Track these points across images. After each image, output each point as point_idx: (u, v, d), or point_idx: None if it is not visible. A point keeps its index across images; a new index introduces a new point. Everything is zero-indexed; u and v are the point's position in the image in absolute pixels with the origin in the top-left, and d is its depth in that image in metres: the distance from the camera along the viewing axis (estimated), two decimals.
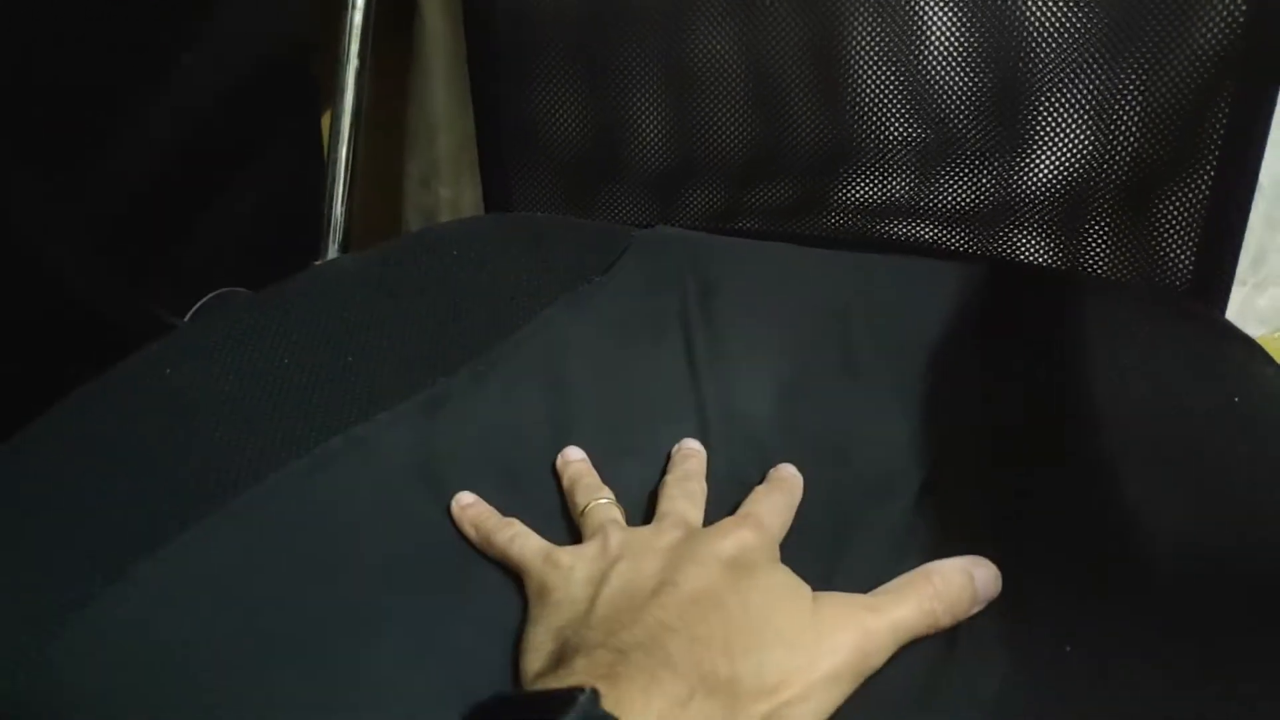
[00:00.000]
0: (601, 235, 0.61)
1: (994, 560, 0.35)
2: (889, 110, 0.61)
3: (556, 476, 0.43)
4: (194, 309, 0.53)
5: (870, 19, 0.59)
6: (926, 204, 0.62)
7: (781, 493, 0.40)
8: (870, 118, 0.61)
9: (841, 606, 0.33)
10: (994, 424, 0.43)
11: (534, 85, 0.65)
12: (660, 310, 0.54)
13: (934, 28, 0.58)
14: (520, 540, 0.37)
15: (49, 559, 0.36)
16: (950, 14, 0.57)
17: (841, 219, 0.65)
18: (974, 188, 0.61)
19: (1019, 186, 0.60)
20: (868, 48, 0.59)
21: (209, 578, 0.37)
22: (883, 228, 0.64)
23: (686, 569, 0.33)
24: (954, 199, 0.62)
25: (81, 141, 0.51)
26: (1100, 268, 0.59)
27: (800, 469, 0.42)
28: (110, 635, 0.34)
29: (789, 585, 0.34)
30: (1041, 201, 0.59)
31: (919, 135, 0.60)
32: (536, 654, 0.32)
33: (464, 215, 0.82)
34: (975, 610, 0.34)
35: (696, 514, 0.39)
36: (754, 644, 0.31)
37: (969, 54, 0.57)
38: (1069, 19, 0.55)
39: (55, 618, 0.34)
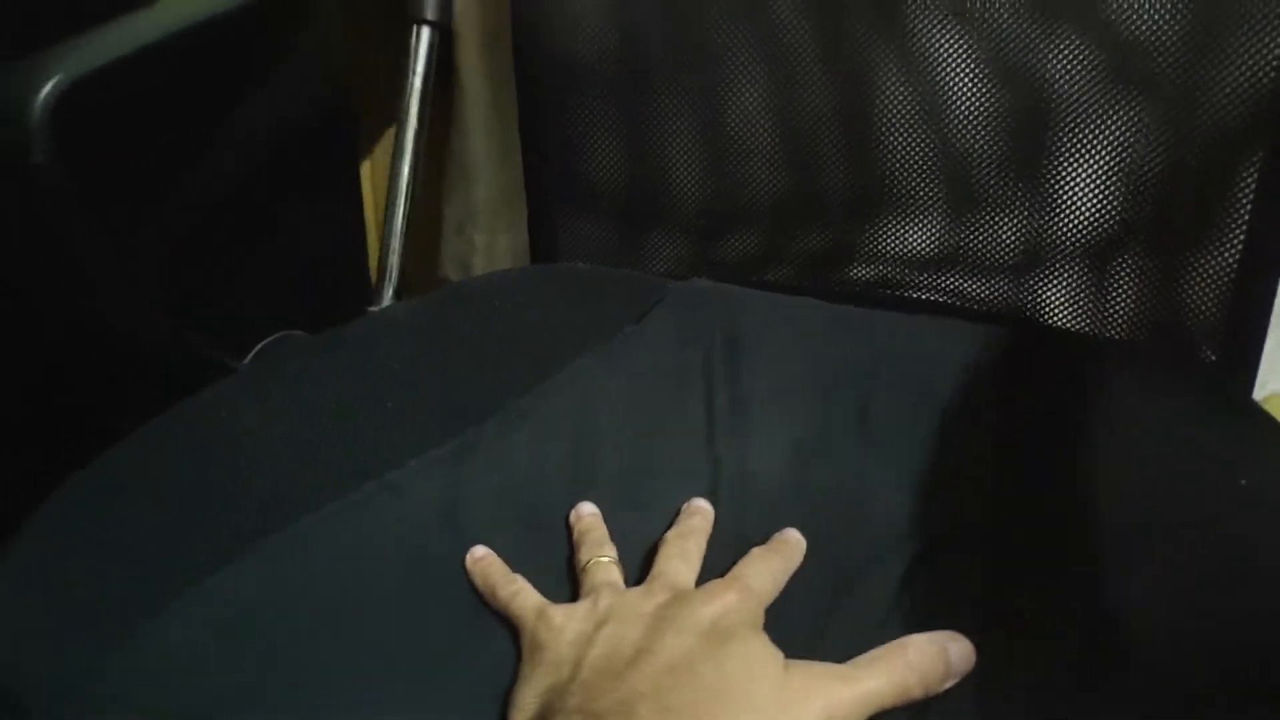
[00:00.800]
0: (637, 286, 0.62)
1: (977, 634, 0.35)
2: (916, 167, 0.60)
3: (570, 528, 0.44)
4: (254, 351, 0.55)
5: (898, 80, 0.59)
6: (952, 258, 0.62)
7: (778, 557, 0.40)
8: (898, 174, 0.61)
9: (812, 676, 0.33)
10: (997, 495, 0.43)
11: (578, 140, 0.66)
12: (687, 364, 0.55)
13: (959, 89, 0.57)
14: (520, 596, 0.38)
15: (92, 595, 0.39)
16: (975, 76, 0.57)
17: (872, 270, 0.64)
18: (998, 245, 0.60)
19: (1043, 245, 0.59)
20: (896, 107, 0.59)
21: (235, 617, 0.38)
22: (913, 279, 0.63)
23: (665, 637, 0.33)
24: (979, 255, 0.61)
25: (146, 197, 0.54)
26: (1127, 329, 0.57)
27: (804, 531, 0.42)
28: (142, 673, 0.36)
29: (763, 653, 0.34)
30: (1067, 260, 0.58)
31: (945, 192, 0.60)
32: (521, 713, 0.33)
33: (498, 261, 0.84)
34: (949, 683, 0.34)
35: (689, 575, 0.39)
36: (723, 711, 0.31)
37: (994, 115, 0.57)
38: (1094, 80, 0.54)
39: (95, 654, 0.36)
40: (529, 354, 0.55)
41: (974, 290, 0.62)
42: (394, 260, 0.65)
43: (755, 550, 0.40)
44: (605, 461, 0.48)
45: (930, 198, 0.61)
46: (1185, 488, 0.40)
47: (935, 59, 0.58)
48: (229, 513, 0.43)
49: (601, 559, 0.39)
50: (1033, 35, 0.54)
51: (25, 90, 0.40)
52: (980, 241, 0.61)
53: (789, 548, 0.41)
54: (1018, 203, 0.58)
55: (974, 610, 0.36)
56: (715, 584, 0.37)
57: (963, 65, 0.57)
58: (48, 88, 0.40)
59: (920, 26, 0.58)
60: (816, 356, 0.55)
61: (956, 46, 0.57)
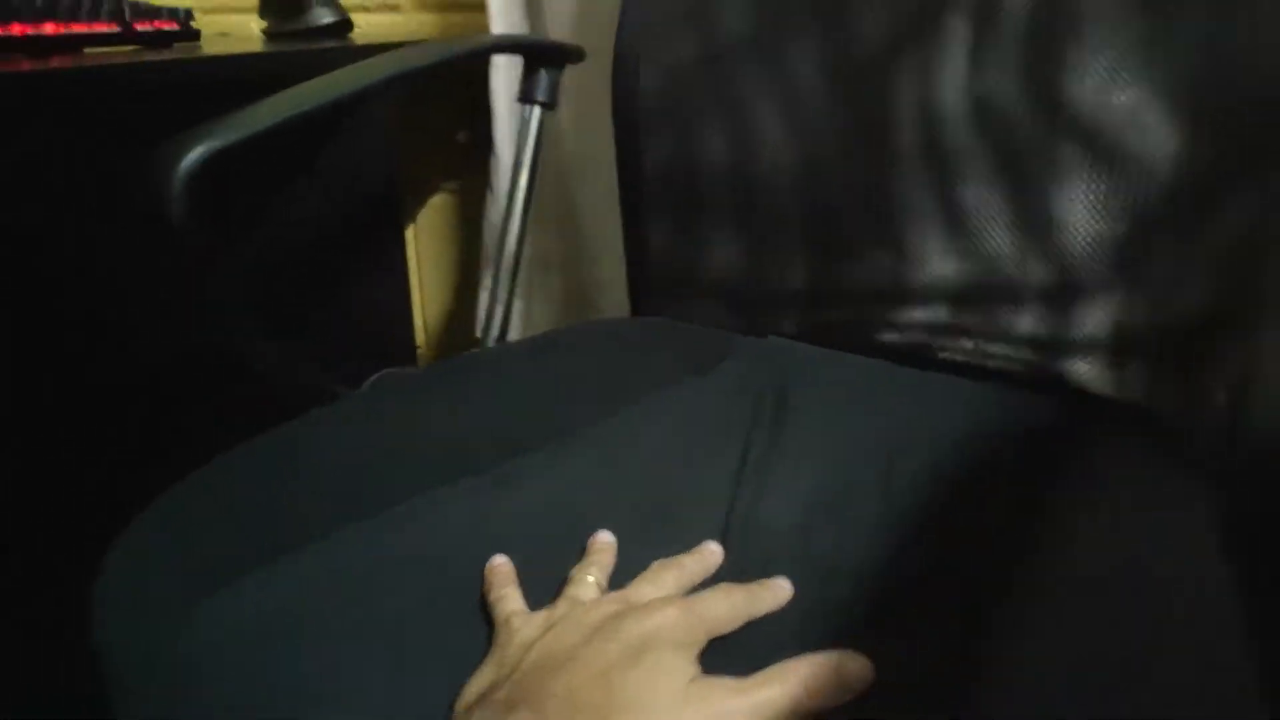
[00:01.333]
0: (711, 341, 0.65)
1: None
2: (1009, 247, 0.59)
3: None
4: (369, 381, 0.63)
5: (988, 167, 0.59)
6: (1035, 334, 0.60)
7: (746, 594, 0.40)
8: (992, 254, 0.60)
9: (710, 687, 0.35)
10: (985, 567, 0.41)
11: (673, 203, 0.69)
12: (734, 415, 0.56)
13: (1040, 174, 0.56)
14: (502, 602, 0.41)
15: (166, 577, 0.45)
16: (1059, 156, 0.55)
17: (946, 339, 0.63)
18: (1076, 324, 0.58)
19: (1126, 325, 0.56)
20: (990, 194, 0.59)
21: (274, 606, 0.43)
22: (984, 344, 0.62)
23: (595, 644, 0.36)
24: (1057, 331, 0.58)
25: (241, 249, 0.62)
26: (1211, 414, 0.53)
27: (795, 585, 0.42)
28: (198, 643, 0.42)
29: (674, 666, 0.35)
30: (1143, 340, 0.55)
31: (1037, 273, 0.58)
32: (461, 701, 0.36)
33: (534, 323, 0.87)
34: (845, 698, 0.35)
35: (651, 596, 0.40)
36: (624, 715, 0.33)
37: (1098, 204, 0.55)
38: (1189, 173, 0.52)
39: (163, 624, 0.43)
40: (594, 396, 0.59)
41: (1044, 362, 0.59)
42: (499, 310, 0.71)
43: (725, 584, 0.41)
44: (631, 497, 0.51)
45: (1019, 278, 0.59)
46: (1161, 573, 0.37)
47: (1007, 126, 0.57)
48: (291, 517, 0.49)
49: (587, 577, 0.42)
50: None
51: (169, 164, 0.50)
52: (1060, 321, 0.59)
53: (765, 590, 0.41)
54: (1117, 287, 0.56)
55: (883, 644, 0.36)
56: (662, 599, 0.39)
57: (1040, 139, 0.56)
58: (185, 161, 0.50)
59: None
60: (865, 416, 0.55)
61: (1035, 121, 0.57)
